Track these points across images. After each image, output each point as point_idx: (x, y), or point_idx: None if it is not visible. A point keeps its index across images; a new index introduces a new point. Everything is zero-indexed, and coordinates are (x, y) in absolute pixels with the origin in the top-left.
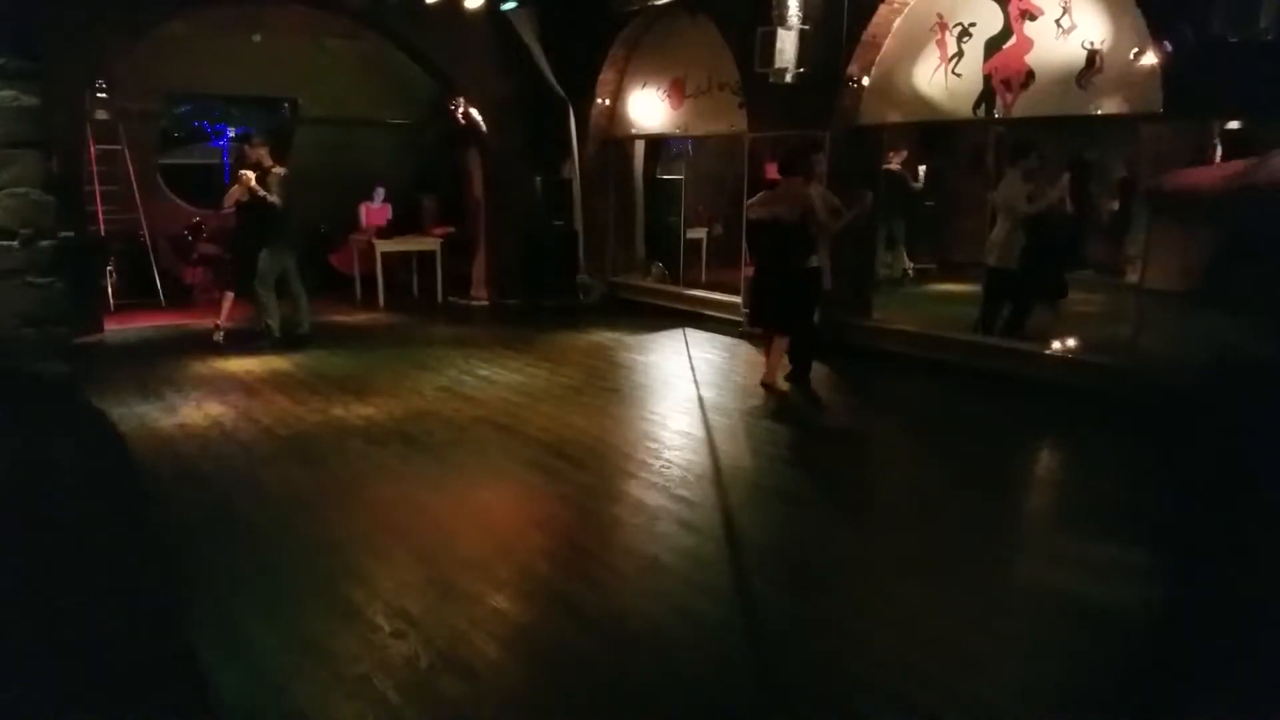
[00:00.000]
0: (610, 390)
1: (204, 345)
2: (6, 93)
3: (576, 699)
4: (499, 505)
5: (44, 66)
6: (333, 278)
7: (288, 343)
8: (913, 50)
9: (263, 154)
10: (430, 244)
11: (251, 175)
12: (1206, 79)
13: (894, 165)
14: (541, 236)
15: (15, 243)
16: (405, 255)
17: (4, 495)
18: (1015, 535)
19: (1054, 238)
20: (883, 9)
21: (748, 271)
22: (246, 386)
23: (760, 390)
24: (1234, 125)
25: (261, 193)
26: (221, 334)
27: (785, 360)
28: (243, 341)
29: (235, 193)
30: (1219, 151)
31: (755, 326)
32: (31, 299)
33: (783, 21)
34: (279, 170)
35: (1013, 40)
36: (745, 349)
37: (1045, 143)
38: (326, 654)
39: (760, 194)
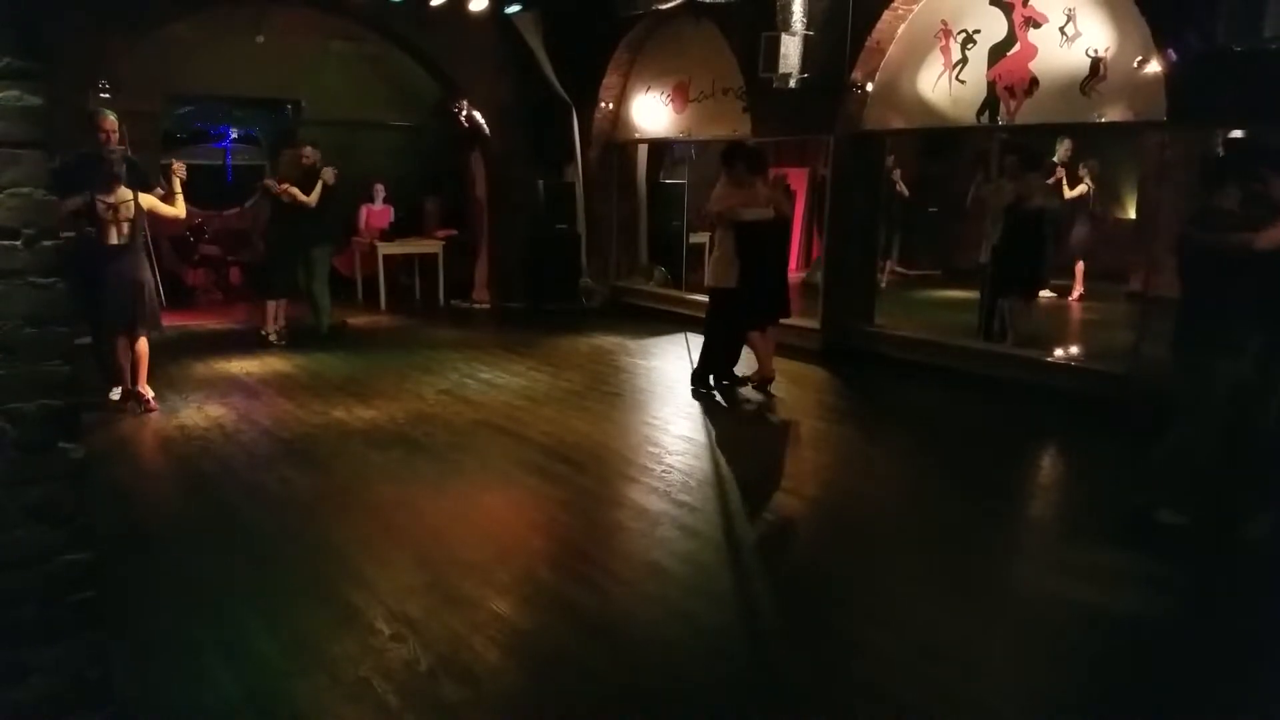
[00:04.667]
0: (612, 394)
1: (204, 347)
2: (10, 93)
3: (576, 704)
4: (500, 509)
5: (47, 66)
6: (334, 280)
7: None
8: (917, 56)
9: (317, 156)
10: (432, 246)
11: (331, 172)
12: (1211, 87)
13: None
14: (544, 240)
15: (18, 243)
16: (407, 258)
17: None
18: (1017, 541)
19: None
20: (887, 15)
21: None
22: (247, 388)
23: (759, 393)
24: (1238, 133)
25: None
26: (275, 334)
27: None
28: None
29: (316, 192)
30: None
31: (763, 324)
32: (34, 300)
33: (787, 27)
34: (329, 171)
35: (1017, 47)
36: (747, 354)
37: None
38: (326, 657)
39: (730, 194)
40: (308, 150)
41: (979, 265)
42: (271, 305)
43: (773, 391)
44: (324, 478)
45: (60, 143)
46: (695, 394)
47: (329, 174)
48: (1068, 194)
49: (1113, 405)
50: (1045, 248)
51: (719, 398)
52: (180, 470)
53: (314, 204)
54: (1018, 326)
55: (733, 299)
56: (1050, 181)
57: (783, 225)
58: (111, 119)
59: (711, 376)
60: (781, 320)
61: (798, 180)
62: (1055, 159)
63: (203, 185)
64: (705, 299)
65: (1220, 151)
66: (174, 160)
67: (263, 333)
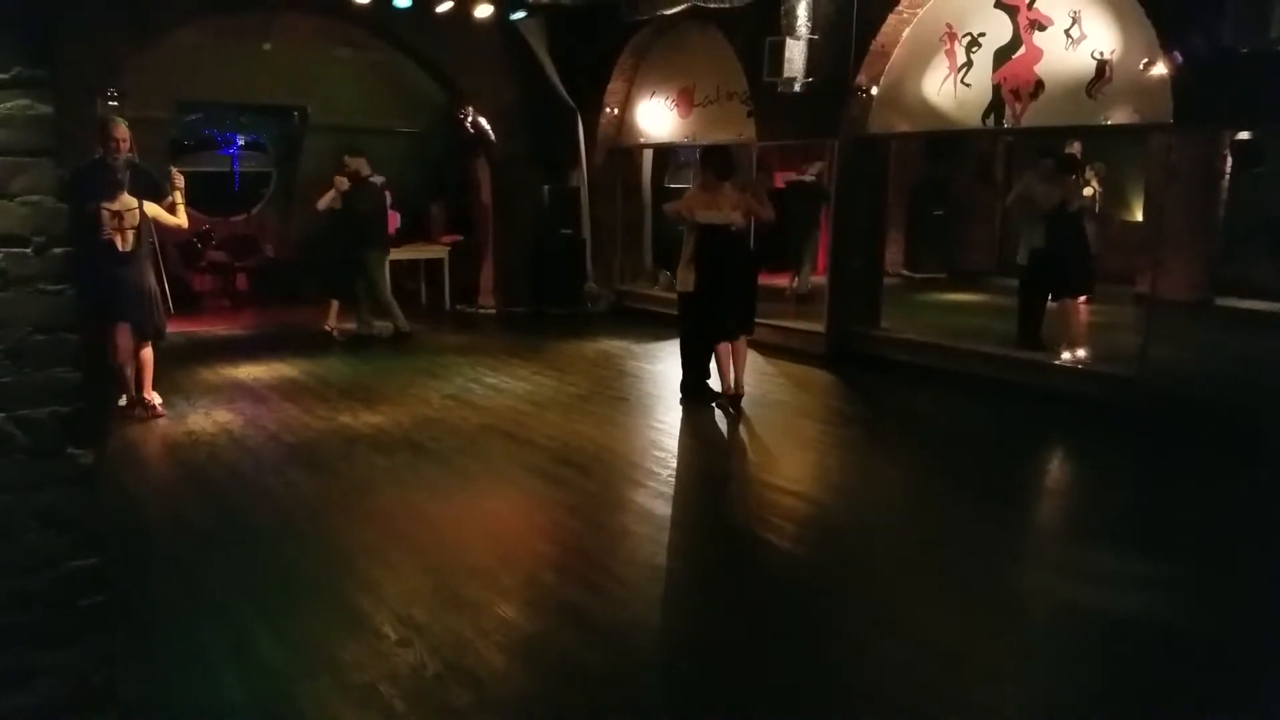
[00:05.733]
0: (617, 399)
1: (210, 352)
2: (20, 101)
3: (581, 708)
4: (506, 514)
5: (56, 74)
6: (339, 285)
7: (360, 342)
8: (922, 60)
9: (360, 164)
10: (438, 252)
11: (345, 181)
12: (1217, 89)
13: (806, 176)
14: (549, 245)
15: (29, 250)
16: (413, 263)
17: None
18: (1020, 544)
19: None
20: (892, 19)
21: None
22: (254, 394)
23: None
24: (1244, 135)
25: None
26: (336, 332)
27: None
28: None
29: (329, 197)
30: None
31: (725, 339)
32: (44, 307)
33: (791, 31)
34: (376, 179)
35: (1022, 50)
36: (751, 357)
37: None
38: (333, 662)
39: (694, 196)
40: (346, 158)
41: (1020, 268)
42: (333, 304)
43: (739, 407)
44: (330, 482)
45: (69, 151)
46: (684, 403)
47: (341, 182)
48: None
49: (1119, 408)
50: (1087, 250)
51: (714, 404)
52: (187, 475)
53: (320, 208)
54: (1054, 330)
55: (692, 303)
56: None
57: (757, 233)
58: (123, 127)
59: (695, 383)
60: (747, 334)
61: None
62: None
63: (210, 192)
64: None
65: None
66: (174, 170)
67: (326, 327)
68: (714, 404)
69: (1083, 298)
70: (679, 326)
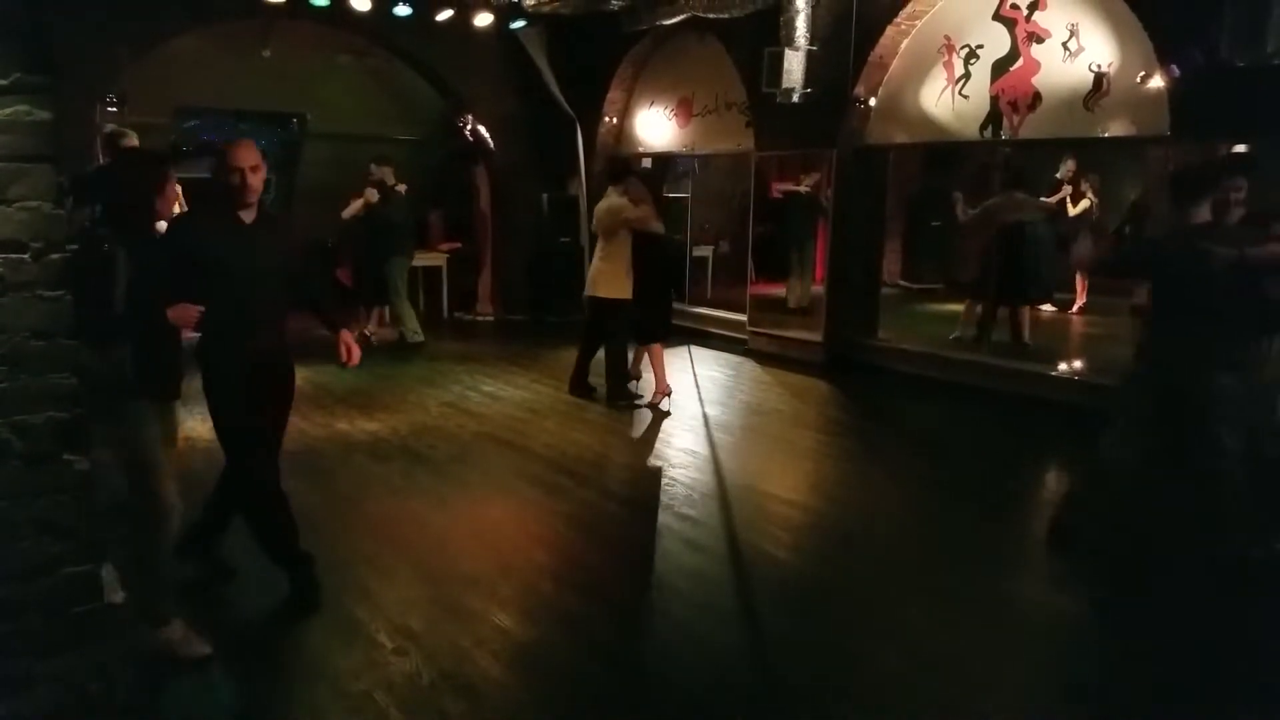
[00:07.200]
0: (615, 407)
1: None
2: (20, 107)
3: (578, 717)
4: (503, 522)
5: (56, 80)
6: (339, 291)
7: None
8: (920, 71)
9: (386, 173)
10: (436, 259)
11: (374, 192)
12: (1214, 102)
13: (803, 187)
14: (548, 253)
15: (27, 256)
16: (411, 270)
17: None
18: (1017, 554)
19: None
20: (890, 30)
21: (755, 289)
22: None
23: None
24: (1241, 148)
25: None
26: (371, 335)
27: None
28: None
29: (355, 206)
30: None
31: (653, 342)
32: (42, 312)
33: (790, 42)
34: (401, 188)
35: (1020, 62)
36: (750, 366)
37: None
38: (328, 670)
39: (641, 209)
40: (373, 166)
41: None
42: (362, 310)
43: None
44: (327, 490)
45: (68, 157)
46: (616, 407)
47: (371, 193)
48: (1071, 211)
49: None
50: (1025, 262)
51: (642, 405)
52: (183, 482)
53: (344, 218)
54: (991, 334)
55: (625, 310)
56: (1055, 199)
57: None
58: (134, 140)
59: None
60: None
61: None
62: (1059, 175)
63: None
64: (707, 312)
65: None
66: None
67: (365, 332)
68: (636, 405)
69: (1027, 304)
70: (618, 335)
